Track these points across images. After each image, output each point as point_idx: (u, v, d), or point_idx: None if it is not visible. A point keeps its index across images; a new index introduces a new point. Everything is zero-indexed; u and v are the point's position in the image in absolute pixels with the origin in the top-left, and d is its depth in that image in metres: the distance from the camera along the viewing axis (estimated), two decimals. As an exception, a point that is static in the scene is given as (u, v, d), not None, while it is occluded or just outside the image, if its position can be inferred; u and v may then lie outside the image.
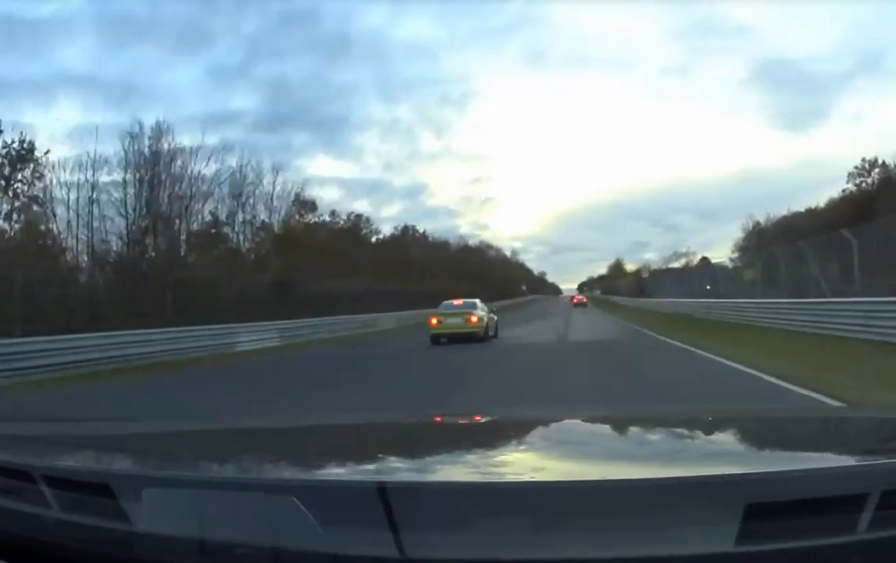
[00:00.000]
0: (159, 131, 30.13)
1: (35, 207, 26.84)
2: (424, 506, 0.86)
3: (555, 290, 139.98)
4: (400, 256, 51.30)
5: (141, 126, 29.61)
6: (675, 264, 66.83)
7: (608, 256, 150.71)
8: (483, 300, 21.47)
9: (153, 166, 29.80)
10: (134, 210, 28.86)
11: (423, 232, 65.02)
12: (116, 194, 28.36)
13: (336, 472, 1.24)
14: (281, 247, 36.85)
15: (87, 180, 27.46)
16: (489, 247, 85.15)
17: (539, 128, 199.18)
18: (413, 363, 14.01)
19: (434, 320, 19.14)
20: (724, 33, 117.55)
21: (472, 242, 77.32)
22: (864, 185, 47.71)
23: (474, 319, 18.81)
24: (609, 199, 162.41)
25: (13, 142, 25.61)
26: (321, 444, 1.63)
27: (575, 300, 70.11)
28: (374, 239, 54.69)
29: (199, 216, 33.84)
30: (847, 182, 48.75)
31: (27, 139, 26.09)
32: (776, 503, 0.82)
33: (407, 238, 61.07)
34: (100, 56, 51.07)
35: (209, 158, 32.70)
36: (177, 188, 30.92)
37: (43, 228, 27.27)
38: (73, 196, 27.13)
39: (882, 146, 48.52)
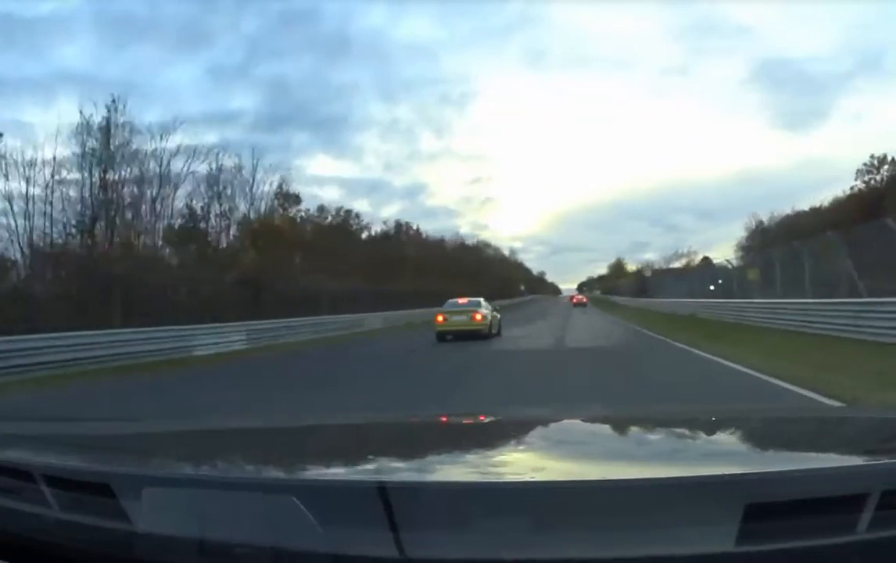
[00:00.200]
0: (115, 108, 26.23)
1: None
2: (424, 506, 0.86)
3: (554, 290, 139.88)
4: (392, 254, 49.69)
5: (96, 106, 25.98)
6: (676, 264, 66.09)
7: (608, 256, 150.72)
8: (483, 297, 21.91)
9: (105, 148, 26.01)
10: (83, 200, 25.32)
11: (417, 229, 63.67)
12: (74, 188, 25.21)
13: (336, 472, 1.24)
14: (258, 242, 34.78)
15: (42, 169, 24.61)
16: (487, 246, 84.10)
17: (539, 128, 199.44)
18: (390, 370, 12.69)
19: (440, 318, 19.73)
20: (724, 33, 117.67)
21: (469, 241, 76.17)
22: (872, 182, 47.07)
23: (479, 316, 19.39)
24: (609, 199, 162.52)
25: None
26: (321, 444, 1.63)
27: (574, 300, 70.01)
28: (365, 236, 52.98)
29: (170, 209, 30.84)
30: (855, 179, 48.22)
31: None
32: (776, 502, 0.82)
33: (401, 236, 59.33)
34: (99, 55, 50.89)
35: (179, 147, 29.59)
36: (131, 172, 27.40)
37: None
38: (28, 190, 24.42)
39: (884, 145, 48.09)
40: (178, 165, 30.30)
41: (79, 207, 25.56)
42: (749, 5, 67.15)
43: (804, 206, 52.25)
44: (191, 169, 31.29)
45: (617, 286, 77.56)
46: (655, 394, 7.48)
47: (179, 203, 31.89)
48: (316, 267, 34.23)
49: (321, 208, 48.23)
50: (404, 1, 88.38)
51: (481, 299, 20.93)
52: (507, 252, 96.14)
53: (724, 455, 1.34)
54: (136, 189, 27.93)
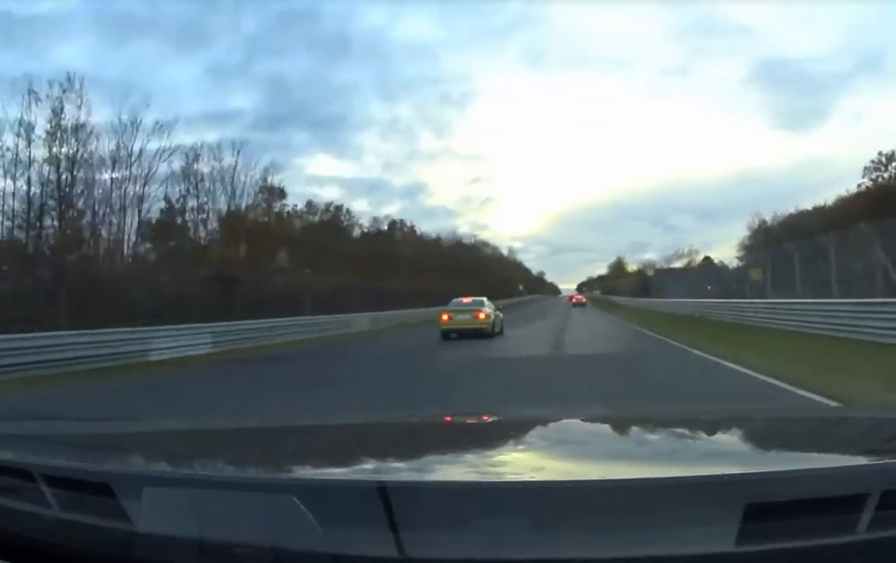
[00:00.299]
0: (69, 86, 24.53)
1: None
2: (424, 506, 0.86)
3: (553, 290, 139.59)
4: (385, 252, 48.11)
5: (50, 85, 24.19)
6: (678, 264, 65.00)
7: (607, 256, 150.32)
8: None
9: (54, 133, 24.07)
10: (31, 194, 23.48)
11: (412, 227, 62.24)
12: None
13: (336, 471, 1.24)
14: (235, 236, 32.92)
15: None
16: (485, 245, 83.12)
17: (539, 128, 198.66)
18: (373, 380, 11.24)
19: (444, 317, 20.47)
20: (724, 33, 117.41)
21: (466, 239, 75.04)
22: (879, 179, 45.87)
23: (482, 315, 20.10)
24: (609, 199, 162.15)
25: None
26: (321, 444, 1.63)
27: (574, 300, 69.93)
28: (358, 233, 51.01)
29: (142, 203, 28.88)
30: (863, 176, 46.84)
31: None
32: (776, 502, 0.82)
33: (395, 233, 57.46)
34: (97, 54, 50.74)
35: (150, 134, 28.26)
36: (83, 155, 25.17)
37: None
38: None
39: (885, 145, 47.35)
40: (152, 159, 28.84)
41: (26, 202, 23.89)
42: (749, 5, 67.19)
43: (805, 206, 51.56)
44: (163, 160, 29.76)
45: (617, 286, 76.27)
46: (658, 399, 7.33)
47: (156, 197, 30.28)
48: (303, 264, 33.09)
49: (310, 204, 46.82)
50: (404, 0, 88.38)
51: (484, 299, 21.50)
52: (505, 251, 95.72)
53: (723, 455, 1.34)
54: (95, 180, 25.85)
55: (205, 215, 34.05)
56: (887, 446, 1.38)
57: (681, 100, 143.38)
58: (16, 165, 24.73)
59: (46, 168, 24.75)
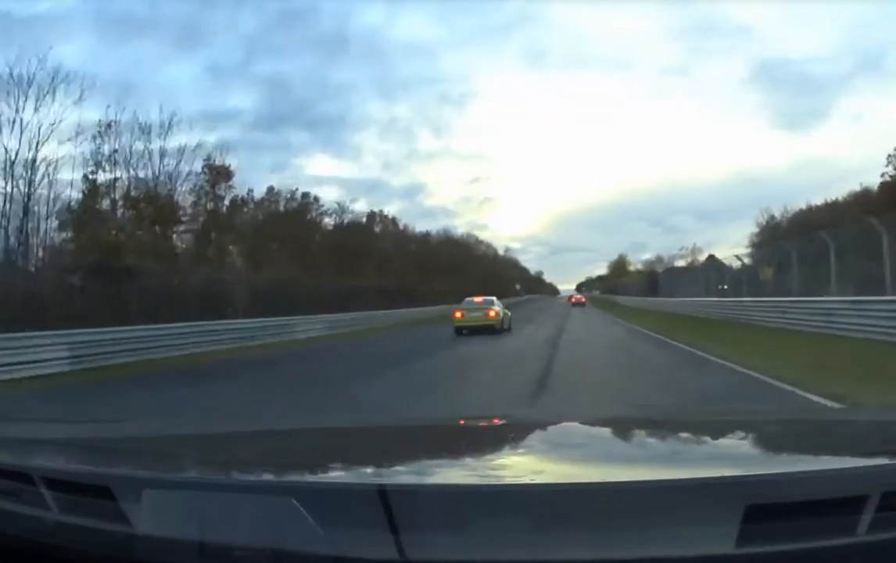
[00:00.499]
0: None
1: None
2: (425, 508, 0.86)
3: (552, 290, 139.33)
4: (356, 246, 42.36)
5: None
6: (681, 262, 62.36)
7: (607, 257, 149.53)
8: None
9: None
10: None
11: (394, 219, 55.80)
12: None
13: (336, 474, 1.24)
14: (140, 219, 27.09)
15: None
16: (478, 242, 79.44)
17: (539, 128, 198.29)
18: None
19: (458, 314, 22.12)
20: (725, 33, 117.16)
21: (456, 234, 70.64)
22: None
23: (492, 313, 21.64)
24: (608, 199, 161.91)
25: None
26: (321, 446, 1.63)
27: (573, 300, 69.88)
28: (332, 225, 44.70)
29: (48, 179, 23.58)
30: (887, 164, 41.87)
31: None
32: (777, 504, 0.82)
33: (373, 226, 51.15)
34: (96, 53, 50.42)
35: (44, 94, 21.95)
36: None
37: None
38: None
39: (885, 146, 46.19)
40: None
41: None
42: (749, 5, 66.89)
43: (806, 204, 49.32)
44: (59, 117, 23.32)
45: (621, 285, 73.74)
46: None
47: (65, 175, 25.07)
48: (257, 258, 30.07)
49: (271, 190, 40.21)
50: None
51: (494, 298, 23.31)
52: (501, 250, 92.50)
53: (724, 457, 1.34)
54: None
55: (110, 193, 28.02)
56: (887, 448, 1.38)
57: (681, 100, 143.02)
58: None
59: None
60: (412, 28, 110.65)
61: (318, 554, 0.82)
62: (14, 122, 22.50)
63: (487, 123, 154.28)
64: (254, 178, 34.98)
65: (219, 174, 32.57)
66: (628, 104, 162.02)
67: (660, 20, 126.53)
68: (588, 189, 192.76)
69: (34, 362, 12.18)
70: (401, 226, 56.22)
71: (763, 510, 0.81)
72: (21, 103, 22.65)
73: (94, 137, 26.08)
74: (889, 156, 42.46)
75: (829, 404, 6.16)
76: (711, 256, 38.22)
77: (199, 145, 30.43)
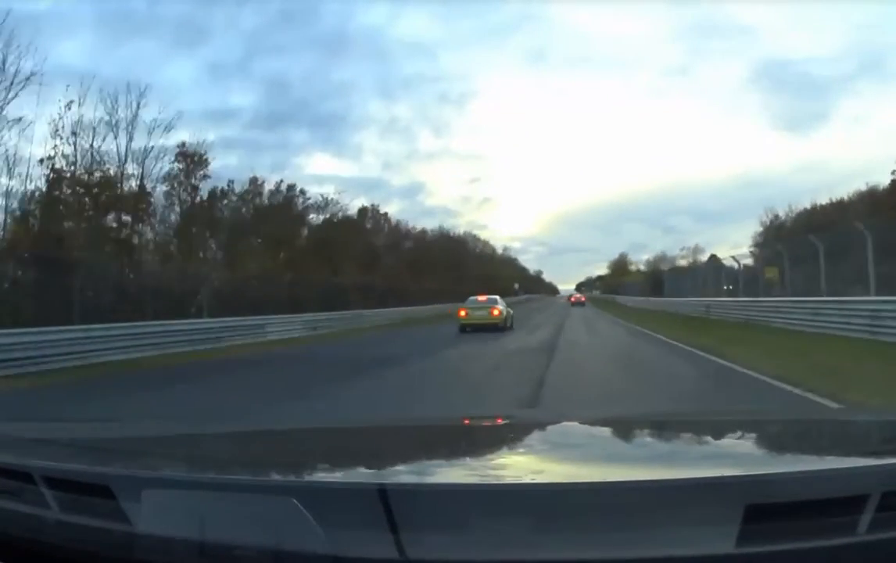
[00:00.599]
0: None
1: None
2: (425, 508, 0.86)
3: (552, 290, 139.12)
4: (344, 242, 39.48)
5: None
6: (682, 262, 61.53)
7: (607, 257, 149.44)
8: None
9: None
10: None
11: (386, 214, 51.96)
12: None
13: (336, 474, 1.25)
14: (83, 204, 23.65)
15: None
16: (476, 239, 77.07)
17: (538, 128, 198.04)
18: None
19: (463, 312, 22.93)
20: (725, 34, 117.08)
21: (453, 233, 67.86)
22: None
23: (496, 312, 22.52)
24: (608, 199, 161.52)
25: None
26: (321, 446, 1.63)
27: (573, 299, 69.98)
28: (320, 219, 41.15)
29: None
30: None
31: None
32: (777, 504, 0.83)
33: (364, 221, 47.85)
34: (95, 52, 50.18)
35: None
36: None
37: None
38: None
39: (885, 148, 45.74)
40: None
41: None
42: (750, 6, 66.79)
43: (808, 205, 47.61)
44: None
45: (622, 285, 72.30)
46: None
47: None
48: (233, 253, 28.22)
49: (253, 181, 36.25)
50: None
51: (497, 297, 24.38)
52: (499, 248, 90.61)
53: (724, 457, 1.34)
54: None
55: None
56: (887, 447, 1.38)
57: (681, 100, 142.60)
58: None
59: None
60: (413, 27, 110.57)
61: (317, 554, 0.82)
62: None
63: (487, 123, 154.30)
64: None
65: (193, 162, 29.37)
66: (628, 104, 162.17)
67: (660, 20, 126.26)
68: (588, 189, 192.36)
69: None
70: (393, 222, 53.17)
71: (763, 509, 0.81)
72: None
73: (52, 124, 23.15)
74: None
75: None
76: (713, 256, 36.98)
77: (169, 125, 26.60)
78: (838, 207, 41.86)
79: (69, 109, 23.36)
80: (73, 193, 24.30)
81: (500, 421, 2.00)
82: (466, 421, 2.06)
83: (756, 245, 44.57)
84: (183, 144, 28.62)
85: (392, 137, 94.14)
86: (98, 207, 24.70)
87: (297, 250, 36.24)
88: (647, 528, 0.82)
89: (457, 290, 31.30)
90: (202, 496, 0.92)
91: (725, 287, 28.06)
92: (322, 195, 42.01)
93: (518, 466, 1.29)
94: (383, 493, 0.84)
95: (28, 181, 22.72)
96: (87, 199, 24.59)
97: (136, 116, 25.38)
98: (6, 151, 21.38)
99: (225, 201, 34.18)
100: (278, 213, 36.91)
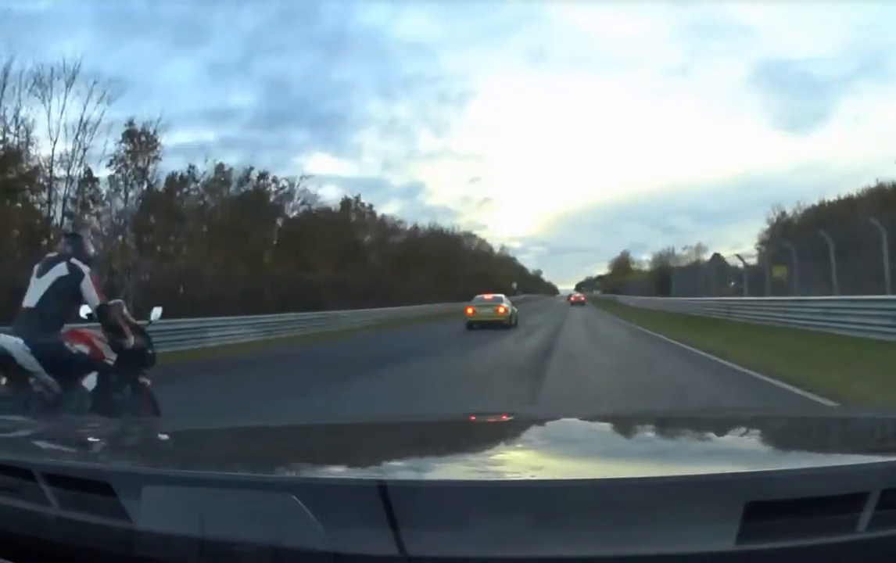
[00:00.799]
0: None
1: None
2: (425, 504, 0.86)
3: (551, 290, 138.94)
4: (320, 236, 36.29)
5: None
6: (683, 262, 61.57)
7: (606, 257, 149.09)
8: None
9: None
10: None
11: (371, 207, 48.23)
12: None
13: (336, 470, 1.24)
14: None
15: None
16: (471, 236, 74.16)
17: (538, 128, 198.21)
18: None
19: (469, 310, 24.22)
20: (726, 34, 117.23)
21: (447, 230, 64.32)
22: None
23: (502, 309, 23.88)
24: (608, 199, 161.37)
25: None
26: (321, 442, 1.63)
27: (573, 299, 70.07)
28: (296, 213, 37.62)
29: None
30: None
31: None
32: (777, 501, 0.82)
33: (349, 215, 44.52)
34: (94, 51, 49.98)
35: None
36: None
37: None
38: None
39: (885, 148, 45.60)
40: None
41: None
42: (751, 6, 66.66)
43: (809, 205, 46.33)
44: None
45: (624, 284, 70.95)
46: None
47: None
48: (195, 246, 25.74)
49: (220, 168, 32.45)
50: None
51: (503, 296, 25.74)
52: (497, 247, 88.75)
53: (724, 454, 1.34)
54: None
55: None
56: (887, 445, 1.38)
57: (681, 100, 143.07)
58: None
59: None
60: (412, 27, 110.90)
61: (317, 550, 0.82)
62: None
63: (487, 123, 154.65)
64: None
65: (141, 143, 25.68)
66: (629, 104, 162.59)
67: (660, 20, 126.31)
68: (588, 189, 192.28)
69: None
70: (379, 216, 49.41)
71: (763, 506, 0.81)
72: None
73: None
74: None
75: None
76: (717, 255, 35.83)
77: (109, 97, 23.18)
78: (846, 204, 40.83)
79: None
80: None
81: (500, 417, 2.00)
82: (466, 417, 2.06)
83: (762, 243, 43.39)
84: (131, 122, 24.93)
85: (392, 136, 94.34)
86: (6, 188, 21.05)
87: (262, 242, 32.71)
88: (647, 524, 0.81)
89: (451, 289, 30.65)
90: (202, 493, 0.92)
91: (732, 284, 26.94)
92: (287, 180, 37.30)
93: (518, 462, 1.29)
94: (383, 489, 0.84)
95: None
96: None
97: (68, 87, 21.17)
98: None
99: (185, 189, 30.96)
100: (248, 204, 33.45)
